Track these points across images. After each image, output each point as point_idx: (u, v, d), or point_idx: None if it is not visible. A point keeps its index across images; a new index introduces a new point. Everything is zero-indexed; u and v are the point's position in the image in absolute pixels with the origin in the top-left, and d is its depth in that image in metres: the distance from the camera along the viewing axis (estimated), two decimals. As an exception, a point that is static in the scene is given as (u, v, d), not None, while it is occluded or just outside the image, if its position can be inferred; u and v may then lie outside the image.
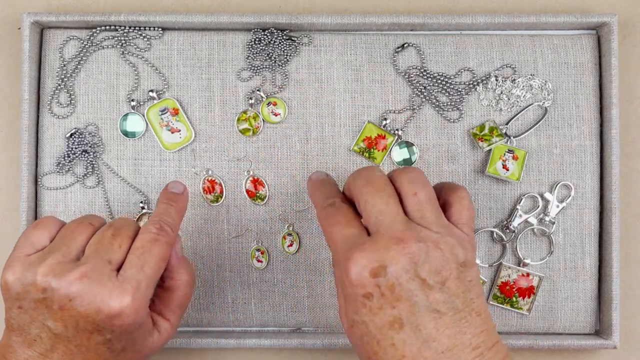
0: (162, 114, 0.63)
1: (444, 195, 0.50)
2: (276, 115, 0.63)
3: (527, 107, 0.63)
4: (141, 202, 0.63)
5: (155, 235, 0.50)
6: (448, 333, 0.45)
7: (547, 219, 0.62)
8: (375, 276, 0.44)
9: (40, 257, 0.48)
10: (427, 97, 0.63)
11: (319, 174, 0.55)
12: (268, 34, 0.63)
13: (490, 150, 0.62)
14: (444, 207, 0.50)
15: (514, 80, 0.63)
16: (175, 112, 0.63)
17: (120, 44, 0.63)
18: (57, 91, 0.63)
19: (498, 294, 0.63)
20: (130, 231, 0.50)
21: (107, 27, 0.63)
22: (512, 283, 0.63)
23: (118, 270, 0.48)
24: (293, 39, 0.63)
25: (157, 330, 0.52)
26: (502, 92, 0.63)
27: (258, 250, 0.63)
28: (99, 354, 0.48)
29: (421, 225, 0.46)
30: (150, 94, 0.63)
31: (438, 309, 0.45)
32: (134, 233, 0.51)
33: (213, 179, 0.63)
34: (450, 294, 0.45)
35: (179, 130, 0.63)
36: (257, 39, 0.63)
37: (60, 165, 0.63)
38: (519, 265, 0.63)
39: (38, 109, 0.63)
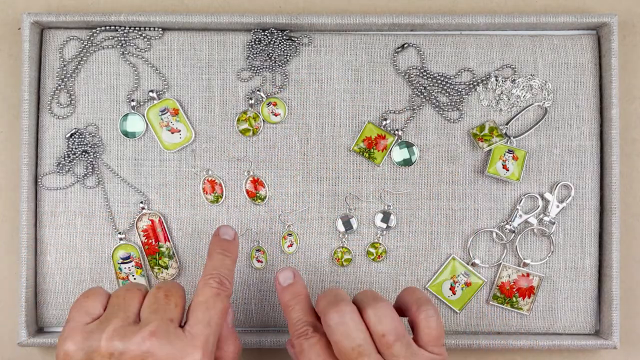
0: (162, 114, 0.63)
1: (411, 314, 0.51)
2: (276, 116, 0.63)
3: (527, 107, 0.63)
4: (141, 202, 0.63)
5: (217, 290, 0.50)
6: None
7: (547, 219, 0.62)
8: None
9: (100, 324, 0.48)
10: (427, 98, 0.63)
11: (286, 275, 0.54)
12: (268, 34, 0.63)
13: (490, 150, 0.62)
14: (412, 325, 0.51)
15: (514, 80, 0.63)
16: (175, 113, 0.63)
17: (120, 44, 0.63)
18: (57, 91, 0.63)
19: (498, 294, 0.63)
20: (180, 291, 0.51)
21: (107, 28, 0.63)
22: (512, 283, 0.63)
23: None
24: (293, 39, 0.63)
25: None
26: (502, 92, 0.63)
27: (258, 250, 0.63)
28: None
29: None
30: (150, 94, 0.63)
31: None
32: (183, 292, 0.51)
33: (213, 179, 0.63)
34: None
35: (179, 131, 0.63)
36: (257, 39, 0.63)
37: (61, 165, 0.63)
38: (519, 266, 0.63)
39: (38, 109, 0.63)
